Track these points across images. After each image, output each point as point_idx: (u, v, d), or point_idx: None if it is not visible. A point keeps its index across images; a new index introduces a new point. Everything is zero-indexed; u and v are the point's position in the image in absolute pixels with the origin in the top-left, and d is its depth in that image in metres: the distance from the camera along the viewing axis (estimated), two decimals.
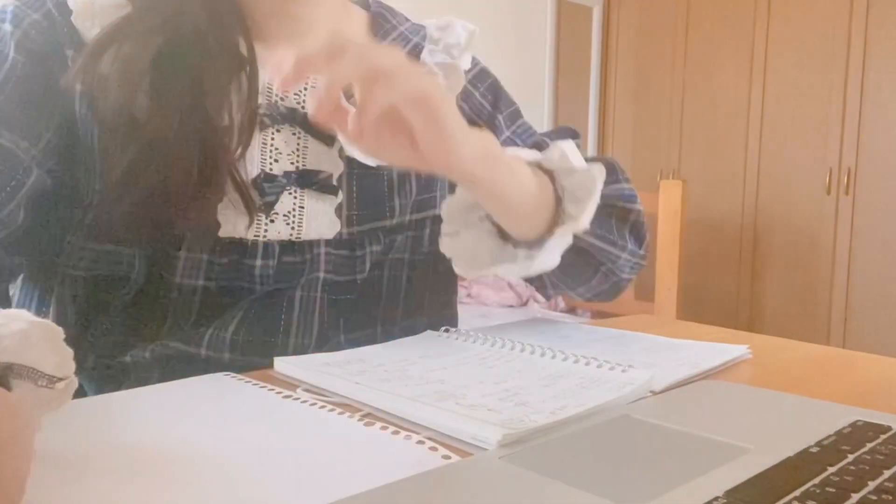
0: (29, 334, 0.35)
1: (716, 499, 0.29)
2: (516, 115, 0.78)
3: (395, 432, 0.39)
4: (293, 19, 0.64)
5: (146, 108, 0.54)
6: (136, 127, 0.54)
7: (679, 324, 0.80)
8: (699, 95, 3.43)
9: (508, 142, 0.74)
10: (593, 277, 0.67)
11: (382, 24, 0.71)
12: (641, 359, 0.56)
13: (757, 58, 3.21)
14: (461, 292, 2.88)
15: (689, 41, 3.45)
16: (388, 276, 0.67)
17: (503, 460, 0.34)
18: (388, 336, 0.65)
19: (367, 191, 0.65)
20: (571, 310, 2.84)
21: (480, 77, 0.77)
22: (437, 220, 0.70)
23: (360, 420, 0.41)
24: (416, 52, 0.71)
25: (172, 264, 0.57)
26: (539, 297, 2.80)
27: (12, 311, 0.36)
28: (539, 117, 3.51)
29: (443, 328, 0.65)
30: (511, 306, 2.78)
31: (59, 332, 0.36)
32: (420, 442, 0.38)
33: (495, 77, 0.78)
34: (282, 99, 0.62)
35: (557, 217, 0.58)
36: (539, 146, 0.71)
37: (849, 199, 2.98)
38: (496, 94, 0.77)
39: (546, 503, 0.30)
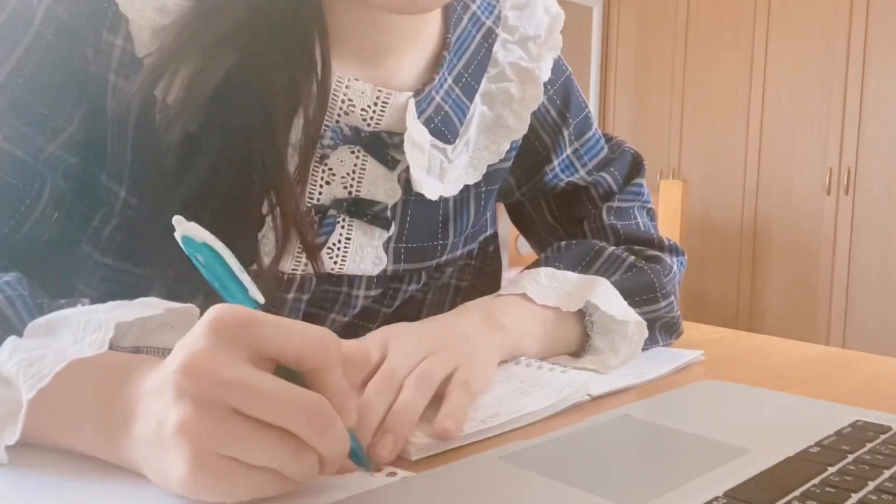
0: (162, 319, 0.39)
1: (716, 499, 0.29)
2: (585, 125, 0.68)
3: None
4: (378, 30, 0.53)
5: (207, 126, 0.46)
6: (190, 143, 0.46)
7: None
8: (699, 95, 3.43)
9: (566, 162, 0.67)
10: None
11: (455, 7, 0.58)
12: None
13: (757, 58, 3.21)
14: None
15: (689, 41, 3.45)
16: (429, 301, 0.64)
17: (503, 460, 0.34)
18: None
19: (420, 224, 0.57)
20: None
21: (554, 74, 0.64)
22: (487, 241, 0.67)
23: None
24: (487, 45, 0.59)
25: (196, 291, 0.47)
26: None
27: (144, 299, 0.39)
28: None
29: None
30: None
31: (196, 312, 0.39)
32: None
33: (570, 71, 0.67)
34: (346, 113, 0.52)
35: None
36: (603, 166, 0.68)
37: (849, 198, 2.98)
38: (567, 96, 0.66)
39: (546, 503, 0.30)
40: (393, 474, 0.34)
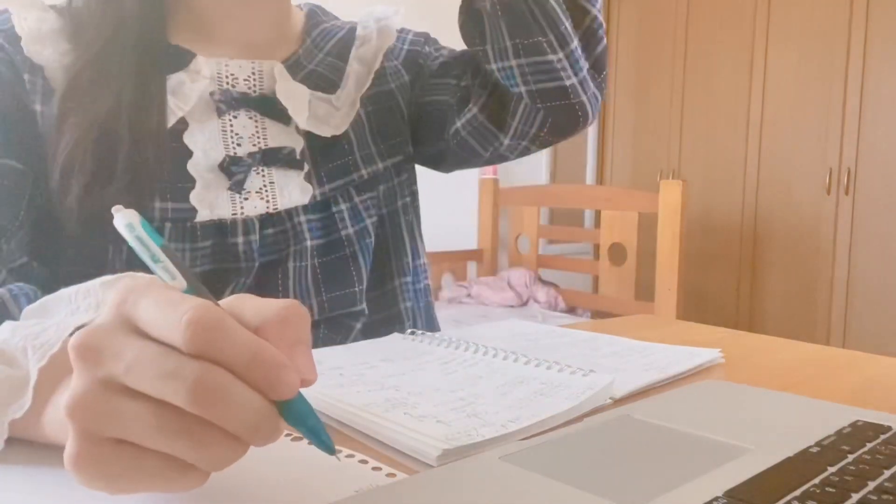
0: None
1: (716, 499, 0.29)
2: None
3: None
4: (242, 24, 0.68)
5: (79, 106, 0.59)
6: (69, 120, 0.58)
7: (679, 324, 0.80)
8: (699, 95, 3.44)
9: (441, 50, 0.79)
10: (534, 51, 0.65)
11: (316, 15, 0.77)
12: (608, 363, 0.56)
13: (757, 58, 3.21)
14: (461, 292, 2.87)
15: (689, 41, 3.45)
16: (375, 234, 0.71)
17: (503, 460, 0.34)
18: (377, 289, 0.71)
19: (329, 156, 0.69)
20: (571, 310, 2.84)
21: (412, 31, 0.81)
22: (408, 160, 0.77)
23: (286, 435, 0.39)
24: (351, 31, 0.76)
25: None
26: (539, 297, 2.80)
27: (133, 273, 0.41)
28: None
29: (409, 331, 0.65)
30: (511, 306, 2.78)
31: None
32: (349, 456, 0.36)
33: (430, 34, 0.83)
34: (233, 86, 0.66)
35: None
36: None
37: (849, 199, 2.98)
38: (428, 38, 0.81)
39: (546, 503, 0.30)
40: (392, 475, 0.34)
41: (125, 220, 0.30)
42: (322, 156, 0.69)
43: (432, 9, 3.01)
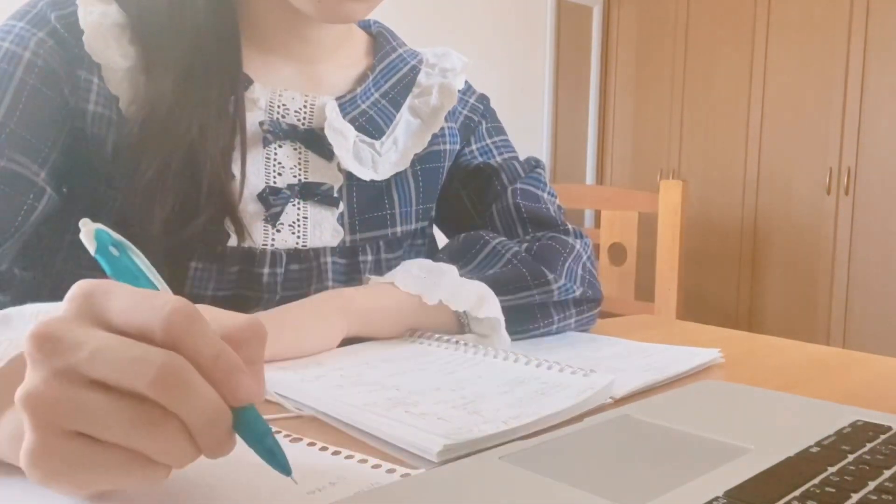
0: None
1: (716, 499, 0.29)
2: (502, 131, 0.82)
3: (324, 448, 0.37)
4: (304, 41, 0.68)
5: (161, 132, 0.57)
6: (154, 148, 0.57)
7: (679, 324, 0.80)
8: (699, 95, 3.43)
9: (484, 148, 0.79)
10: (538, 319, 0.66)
11: (383, 45, 0.74)
12: (608, 364, 0.56)
13: (757, 58, 3.21)
14: None
15: (689, 41, 3.45)
16: None
17: (503, 460, 0.34)
18: None
19: (366, 201, 0.68)
20: None
21: (474, 93, 0.81)
22: (430, 225, 0.77)
23: (286, 436, 0.39)
24: (413, 74, 0.74)
25: (182, 276, 0.60)
26: None
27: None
28: (539, 117, 3.51)
29: (409, 331, 0.63)
30: None
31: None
32: (349, 457, 0.36)
33: (489, 99, 0.83)
34: (283, 116, 0.65)
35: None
36: (510, 165, 0.78)
37: (849, 199, 2.98)
38: (486, 109, 0.81)
39: (546, 503, 0.30)
40: (392, 472, 0.34)
41: (95, 231, 0.30)
42: (360, 202, 0.68)
43: (433, 8, 3.01)
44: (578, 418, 0.41)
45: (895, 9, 2.84)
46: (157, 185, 0.56)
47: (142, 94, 0.58)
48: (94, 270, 0.32)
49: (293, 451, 0.37)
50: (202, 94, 0.59)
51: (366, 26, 0.77)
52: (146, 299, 0.28)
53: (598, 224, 3.03)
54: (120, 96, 0.59)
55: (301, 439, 0.39)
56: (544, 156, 3.55)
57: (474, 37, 3.12)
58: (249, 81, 0.63)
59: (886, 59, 2.86)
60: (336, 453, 0.36)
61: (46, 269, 0.62)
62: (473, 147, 0.79)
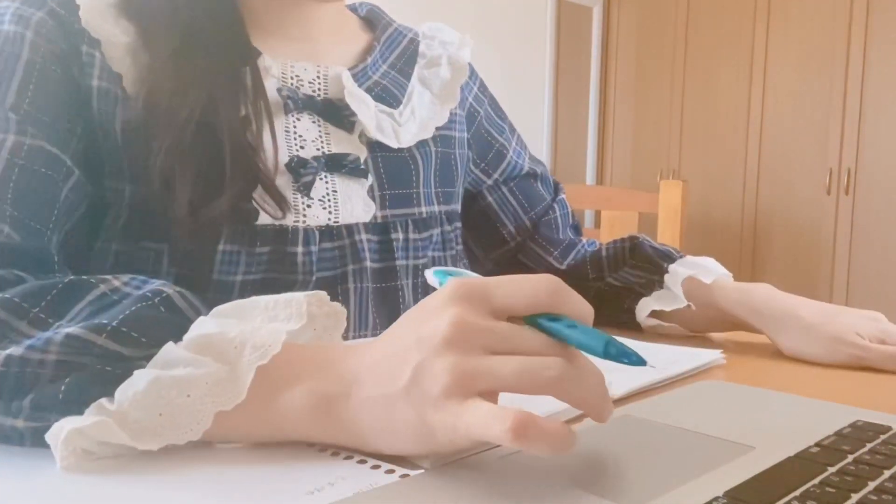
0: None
1: (716, 499, 0.29)
2: (513, 127, 0.84)
3: (323, 449, 0.37)
4: (301, 21, 0.66)
5: (169, 108, 0.55)
6: (164, 125, 0.55)
7: None
8: (699, 95, 3.43)
9: (517, 148, 0.81)
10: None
11: (380, 19, 0.74)
12: (609, 363, 0.55)
13: (757, 58, 3.21)
14: None
15: (689, 41, 3.45)
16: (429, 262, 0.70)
17: (503, 460, 0.34)
18: None
19: (394, 173, 0.66)
20: None
21: (477, 77, 0.81)
22: (458, 216, 0.76)
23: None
24: (413, 45, 0.74)
25: (209, 260, 0.56)
26: None
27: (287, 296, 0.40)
28: (539, 117, 3.51)
29: None
30: None
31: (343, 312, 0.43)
32: (348, 457, 0.36)
33: (486, 86, 0.84)
34: (298, 87, 0.63)
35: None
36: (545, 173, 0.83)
37: (849, 199, 2.98)
38: (492, 98, 0.82)
39: (546, 503, 0.30)
40: (391, 472, 0.34)
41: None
42: (387, 174, 0.66)
43: (433, 8, 3.01)
44: (578, 418, 0.41)
45: (895, 8, 2.84)
46: (175, 163, 0.54)
47: (145, 70, 0.56)
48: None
49: (292, 452, 0.37)
50: (206, 64, 0.57)
51: (354, 10, 0.76)
52: (522, 282, 0.34)
53: (598, 224, 3.03)
54: (123, 74, 0.56)
55: (298, 442, 0.39)
56: (544, 156, 3.55)
57: (474, 37, 3.11)
58: (258, 52, 0.61)
59: (886, 60, 2.86)
60: (336, 454, 0.36)
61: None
62: (511, 148, 0.80)
